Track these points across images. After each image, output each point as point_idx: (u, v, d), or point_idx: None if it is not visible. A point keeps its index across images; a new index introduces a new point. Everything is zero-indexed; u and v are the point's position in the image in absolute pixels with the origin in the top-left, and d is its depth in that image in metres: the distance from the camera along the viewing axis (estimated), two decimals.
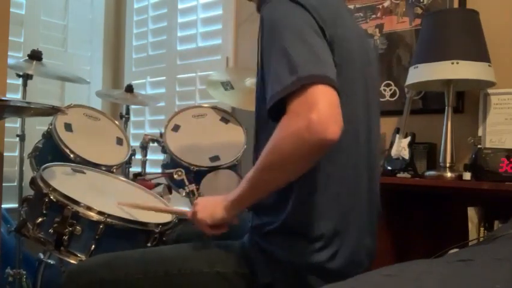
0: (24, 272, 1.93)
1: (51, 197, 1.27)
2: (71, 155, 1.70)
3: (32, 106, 1.33)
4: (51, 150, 1.75)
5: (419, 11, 1.86)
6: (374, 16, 1.97)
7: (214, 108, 2.04)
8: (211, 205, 1.05)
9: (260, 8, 1.08)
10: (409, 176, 1.61)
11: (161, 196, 1.67)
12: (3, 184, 1.66)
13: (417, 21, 1.85)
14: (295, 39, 0.91)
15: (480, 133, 1.62)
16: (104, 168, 1.72)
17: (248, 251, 1.04)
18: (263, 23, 0.98)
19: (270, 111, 0.91)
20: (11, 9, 1.69)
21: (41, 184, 1.31)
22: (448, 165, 1.57)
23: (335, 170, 1.00)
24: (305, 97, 0.85)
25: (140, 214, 1.36)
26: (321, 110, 0.82)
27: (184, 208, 1.40)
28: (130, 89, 2.26)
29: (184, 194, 1.71)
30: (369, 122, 1.07)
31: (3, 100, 1.25)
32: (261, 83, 1.02)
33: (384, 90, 1.92)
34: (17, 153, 2.17)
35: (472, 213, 1.48)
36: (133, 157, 2.02)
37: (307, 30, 0.92)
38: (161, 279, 1.04)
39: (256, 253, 1.02)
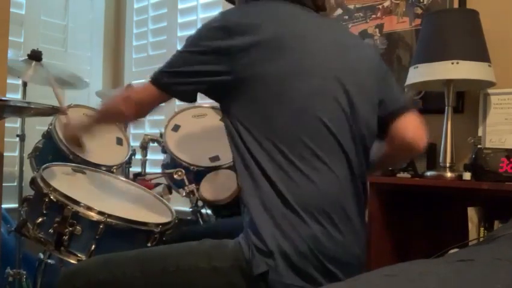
0: (24, 272, 1.93)
1: (52, 197, 1.27)
2: (71, 155, 1.70)
3: (32, 106, 1.33)
4: (51, 150, 1.75)
5: (419, 11, 1.86)
6: (374, 16, 1.97)
7: (214, 108, 2.03)
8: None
9: None
10: (409, 176, 1.61)
11: (161, 196, 1.67)
12: (3, 184, 1.65)
13: (417, 21, 1.85)
14: (180, 55, 1.14)
15: (480, 133, 1.61)
16: (104, 168, 1.72)
17: (242, 245, 1.04)
18: None
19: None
20: (11, 9, 1.69)
21: (41, 184, 1.31)
22: (448, 165, 1.57)
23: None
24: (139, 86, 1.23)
25: (140, 214, 1.36)
26: (132, 97, 1.21)
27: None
28: None
29: (184, 194, 1.71)
30: (353, 130, 1.10)
31: (3, 100, 1.25)
32: None
33: None
34: (17, 153, 2.17)
35: (472, 213, 1.47)
36: (133, 157, 2.02)
37: (192, 54, 1.12)
38: (159, 276, 1.04)
39: (249, 245, 1.03)
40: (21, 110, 1.48)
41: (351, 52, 1.18)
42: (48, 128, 1.78)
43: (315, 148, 1.05)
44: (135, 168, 2.04)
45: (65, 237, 1.24)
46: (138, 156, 2.05)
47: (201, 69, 1.11)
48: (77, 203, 1.26)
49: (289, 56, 1.07)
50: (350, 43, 1.21)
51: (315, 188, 1.03)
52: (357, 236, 1.10)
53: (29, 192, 1.39)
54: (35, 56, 1.97)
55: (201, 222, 1.80)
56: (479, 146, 1.52)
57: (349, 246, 1.07)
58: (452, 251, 0.96)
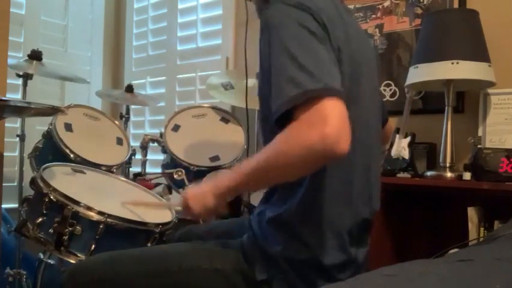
0: (24, 272, 1.93)
1: (52, 197, 1.27)
2: (71, 155, 1.70)
3: (32, 106, 1.33)
4: (51, 150, 1.75)
5: (419, 11, 1.86)
6: (374, 16, 1.97)
7: (214, 108, 2.04)
8: (202, 196, 1.05)
9: (261, 10, 1.07)
10: (409, 176, 1.61)
11: (161, 196, 1.67)
12: (3, 184, 1.65)
13: (417, 21, 1.85)
14: (298, 48, 0.91)
15: (480, 133, 1.61)
16: (104, 168, 1.72)
17: (246, 247, 1.04)
18: (264, 28, 0.98)
19: (276, 120, 0.91)
20: (11, 9, 1.69)
21: (41, 184, 1.31)
22: (448, 165, 1.57)
23: (337, 170, 1.01)
24: (316, 109, 0.86)
25: (140, 214, 1.36)
26: (333, 124, 0.84)
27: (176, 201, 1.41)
28: (130, 89, 2.26)
29: None
30: (368, 121, 1.09)
31: (3, 100, 1.25)
32: (263, 86, 1.03)
33: (384, 90, 1.92)
34: (17, 153, 2.17)
35: (472, 213, 1.47)
36: (133, 157, 2.02)
37: (310, 38, 0.93)
38: (161, 276, 1.04)
39: (254, 249, 1.03)
40: (21, 110, 1.48)
41: (368, 40, 1.21)
42: (49, 128, 1.78)
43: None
44: (135, 168, 2.05)
45: (65, 237, 1.24)
46: (138, 156, 2.05)
47: None
48: (77, 203, 1.26)
49: (346, 47, 1.01)
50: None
51: (336, 198, 1.02)
52: (367, 246, 1.10)
53: (29, 192, 1.39)
54: (36, 56, 1.98)
55: (201, 222, 1.80)
56: (479, 146, 1.52)
57: (360, 255, 1.07)
58: (452, 251, 0.96)
